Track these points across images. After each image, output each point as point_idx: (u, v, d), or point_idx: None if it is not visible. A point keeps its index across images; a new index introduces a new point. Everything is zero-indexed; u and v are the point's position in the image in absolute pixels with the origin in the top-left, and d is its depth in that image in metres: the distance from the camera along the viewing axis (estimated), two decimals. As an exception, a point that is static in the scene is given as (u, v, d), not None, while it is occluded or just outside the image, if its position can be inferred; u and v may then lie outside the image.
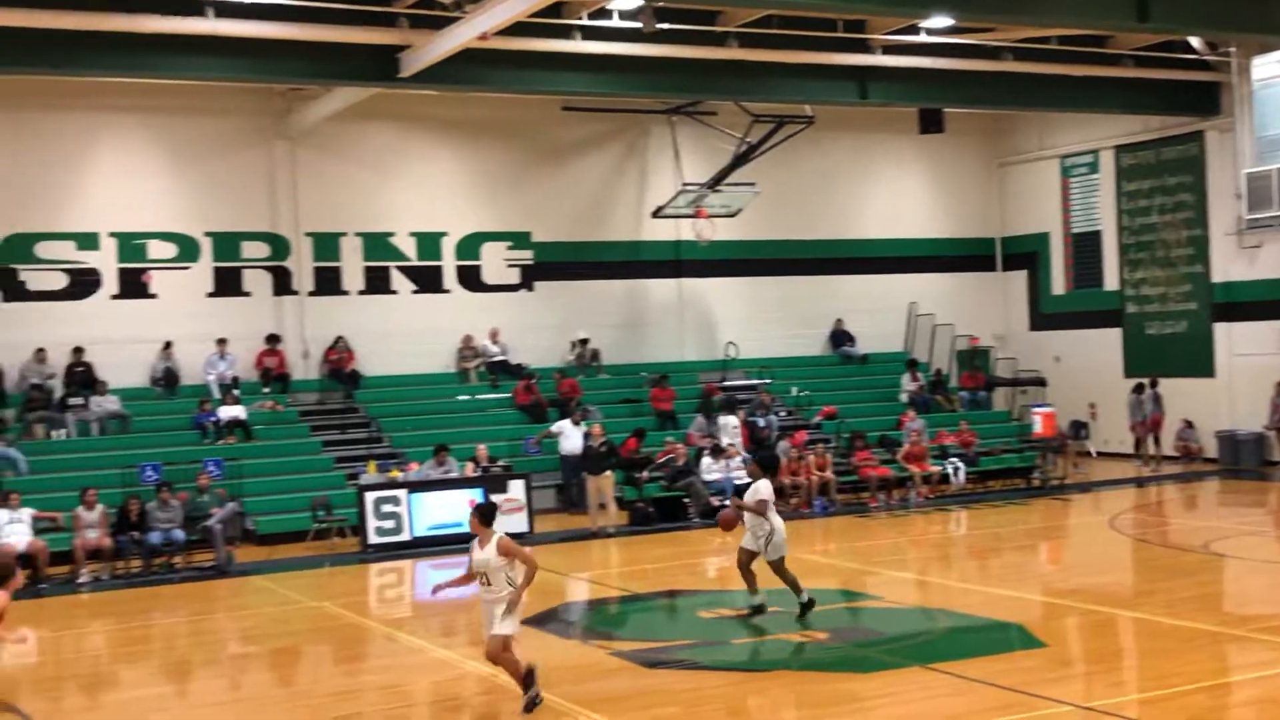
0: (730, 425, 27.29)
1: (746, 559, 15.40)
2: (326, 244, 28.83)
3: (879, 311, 33.37)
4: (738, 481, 25.05)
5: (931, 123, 31.11)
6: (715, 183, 29.69)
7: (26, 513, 20.75)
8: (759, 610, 15.39)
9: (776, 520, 15.32)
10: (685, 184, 29.83)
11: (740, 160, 29.64)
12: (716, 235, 29.98)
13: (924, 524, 24.26)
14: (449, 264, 29.92)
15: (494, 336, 29.71)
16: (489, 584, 11.55)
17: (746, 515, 15.41)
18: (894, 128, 32.53)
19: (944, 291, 34.25)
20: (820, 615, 15.19)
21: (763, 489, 15.41)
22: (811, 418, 29.45)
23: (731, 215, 30.32)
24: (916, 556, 21.62)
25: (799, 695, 12.01)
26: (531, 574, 11.65)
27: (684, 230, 30.85)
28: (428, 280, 29.70)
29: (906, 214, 34.41)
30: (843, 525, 24.38)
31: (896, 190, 34.42)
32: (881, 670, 12.94)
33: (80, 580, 20.28)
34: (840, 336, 33.11)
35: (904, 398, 30.91)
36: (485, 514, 11.88)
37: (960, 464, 27.64)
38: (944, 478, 27.39)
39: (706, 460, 25.67)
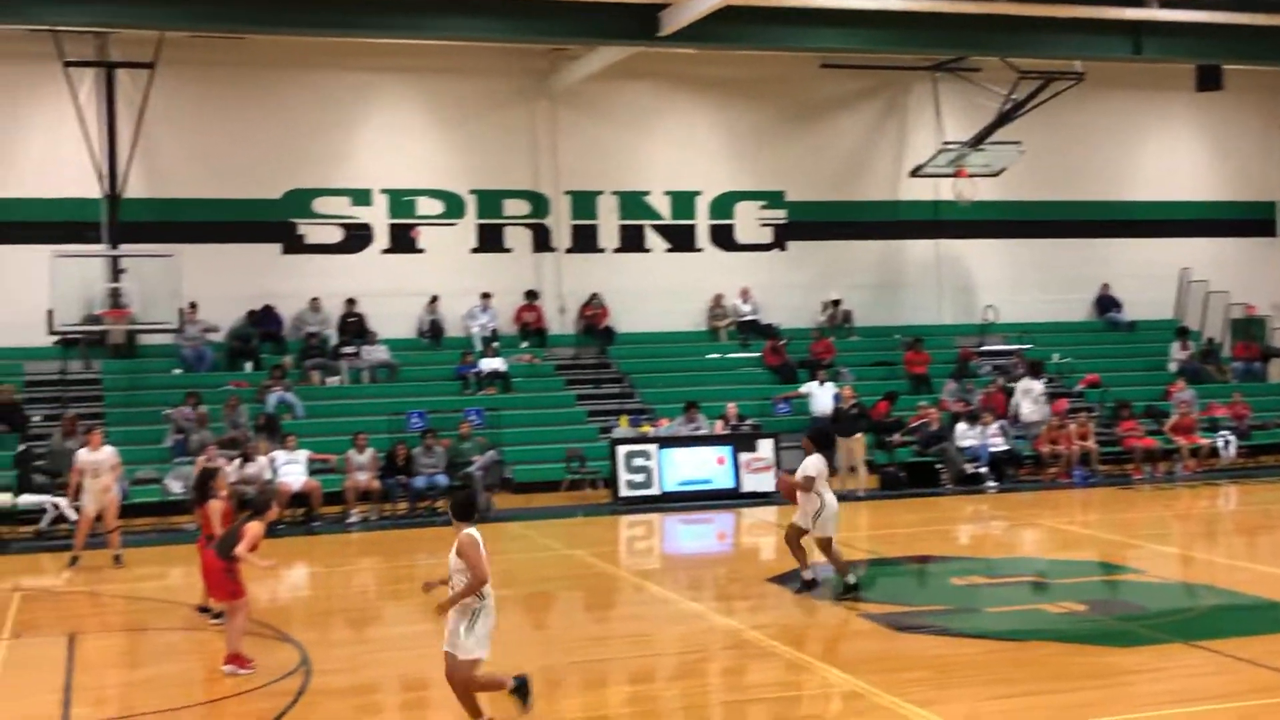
0: (1035, 391, 26.62)
1: (795, 534, 14.96)
2: (584, 202, 29.35)
3: (1147, 277, 32.01)
4: (993, 449, 24.54)
5: (1209, 80, 29.56)
6: (977, 141, 28.95)
7: (303, 454, 21.88)
8: (811, 586, 14.81)
9: (828, 497, 14.75)
10: (946, 143, 29.19)
11: (1004, 118, 28.81)
12: (977, 195, 29.26)
13: (1190, 498, 23.26)
14: (702, 223, 30.07)
15: (745, 296, 29.74)
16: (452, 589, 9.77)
17: (799, 491, 14.95)
18: (1167, 85, 31.04)
19: (1218, 257, 32.59)
20: (1078, 587, 14.76)
21: (810, 465, 14.83)
22: (1073, 385, 28.53)
23: (993, 175, 29.55)
24: (1181, 531, 20.76)
25: (1055, 666, 11.69)
26: (473, 587, 9.61)
27: (943, 190, 30.21)
28: (681, 239, 29.91)
29: (1179, 176, 32.85)
30: (1103, 497, 23.59)
31: (1168, 151, 32.87)
32: (1143, 645, 12.48)
33: (350, 520, 21.29)
34: (1106, 302, 31.93)
35: (1173, 367, 29.65)
36: (456, 508, 9.99)
37: (1231, 437, 26.39)
38: (1213, 451, 26.20)
39: (961, 426, 25.17)
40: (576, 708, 11.21)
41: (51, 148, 25.81)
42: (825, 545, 14.65)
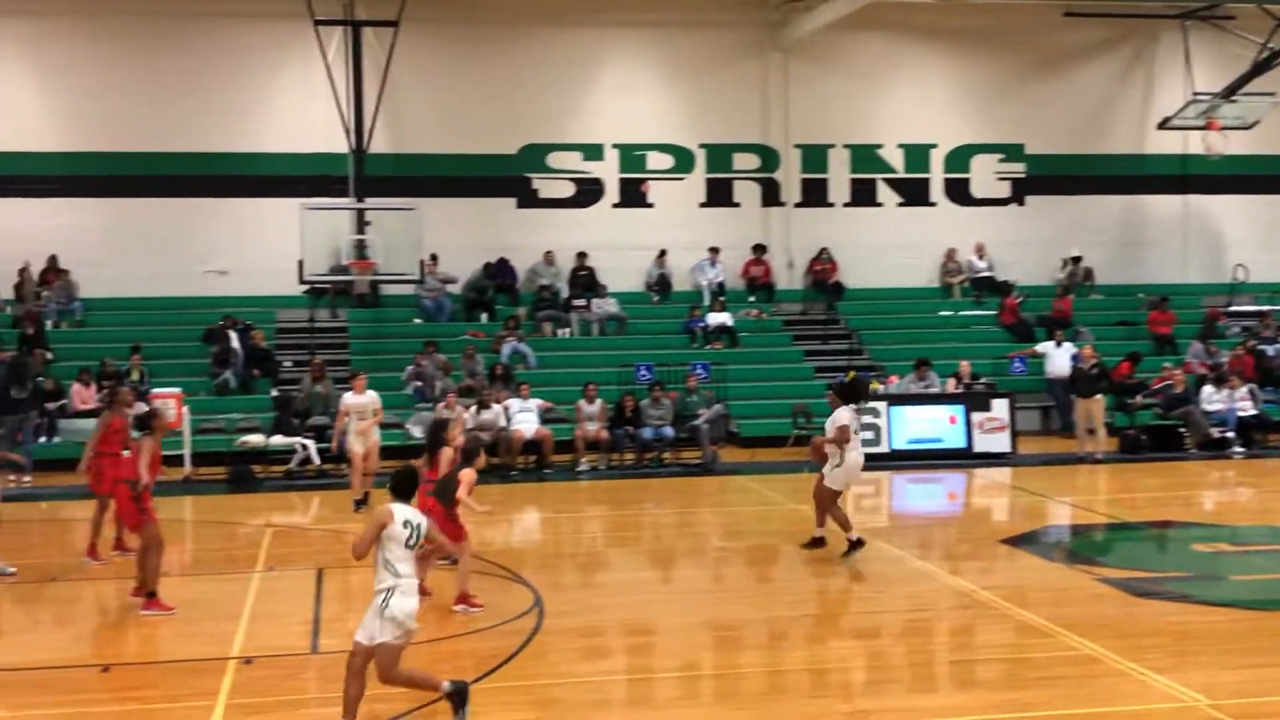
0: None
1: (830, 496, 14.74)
2: (814, 156, 29.11)
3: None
4: (1241, 413, 23.49)
5: None
6: (1230, 92, 27.57)
7: (535, 403, 22.38)
8: (858, 545, 14.62)
9: (854, 455, 14.62)
10: (1196, 94, 27.90)
11: (1260, 68, 27.38)
12: (1228, 149, 27.89)
13: None
14: (936, 177, 29.49)
15: (980, 251, 29.07)
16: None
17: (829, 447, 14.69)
18: None
19: None
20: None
21: (842, 416, 14.58)
22: (1329, 349, 27.03)
23: (1247, 128, 28.11)
24: None
25: (1304, 639, 11.17)
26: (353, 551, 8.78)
27: (1192, 143, 28.90)
28: (914, 193, 29.40)
29: None
30: (1361, 466, 22.33)
31: None
32: (1405, 623, 11.80)
33: (579, 468, 21.70)
34: (1367, 261, 30.09)
35: None
36: (395, 486, 8.94)
37: None
38: None
39: (1207, 390, 24.11)
40: (801, 660, 11.23)
41: (302, 104, 26.96)
42: (831, 499, 14.58)
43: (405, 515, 8.70)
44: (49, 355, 23.80)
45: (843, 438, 14.50)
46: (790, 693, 10.28)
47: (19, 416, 21.19)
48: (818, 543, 15.02)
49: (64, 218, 26.50)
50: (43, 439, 21.75)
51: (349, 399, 18.36)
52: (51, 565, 15.13)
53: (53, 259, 26.30)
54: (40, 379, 22.48)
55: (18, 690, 10.22)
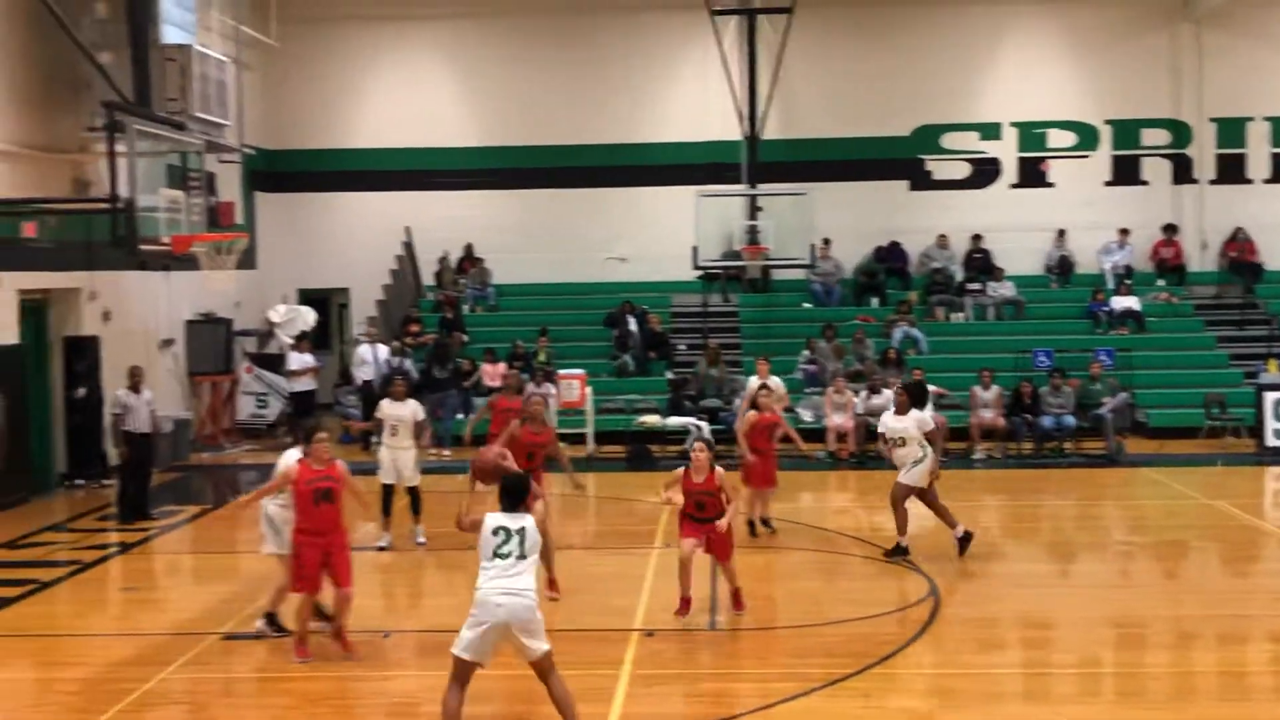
0: None
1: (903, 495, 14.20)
2: (1231, 130, 27.37)
3: None
4: None
5: None
6: None
7: (929, 389, 22.06)
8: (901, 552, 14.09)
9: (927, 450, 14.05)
10: None
11: None
12: None
13: None
14: (1377, 149, 27.16)
15: None
16: None
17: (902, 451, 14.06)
18: None
19: None
20: None
21: (926, 416, 14.18)
22: None
23: None
24: None
25: None
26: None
27: None
28: (1347, 167, 27.17)
29: None
30: None
31: None
32: None
33: (974, 456, 21.28)
34: None
35: None
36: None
37: None
38: None
39: None
40: (1211, 663, 10.68)
41: (699, 94, 27.63)
42: (905, 495, 14.12)
43: None
44: (465, 338, 25.42)
45: (934, 436, 14.17)
46: (1202, 695, 9.80)
47: (439, 394, 22.75)
48: (965, 543, 14.29)
49: (479, 209, 28.22)
50: (459, 415, 23.24)
51: (753, 383, 17.91)
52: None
53: (469, 248, 28.06)
54: (459, 360, 24.05)
55: (443, 652, 11.02)
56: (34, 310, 19.52)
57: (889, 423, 14.43)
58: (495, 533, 8.63)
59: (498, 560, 8.57)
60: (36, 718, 9.67)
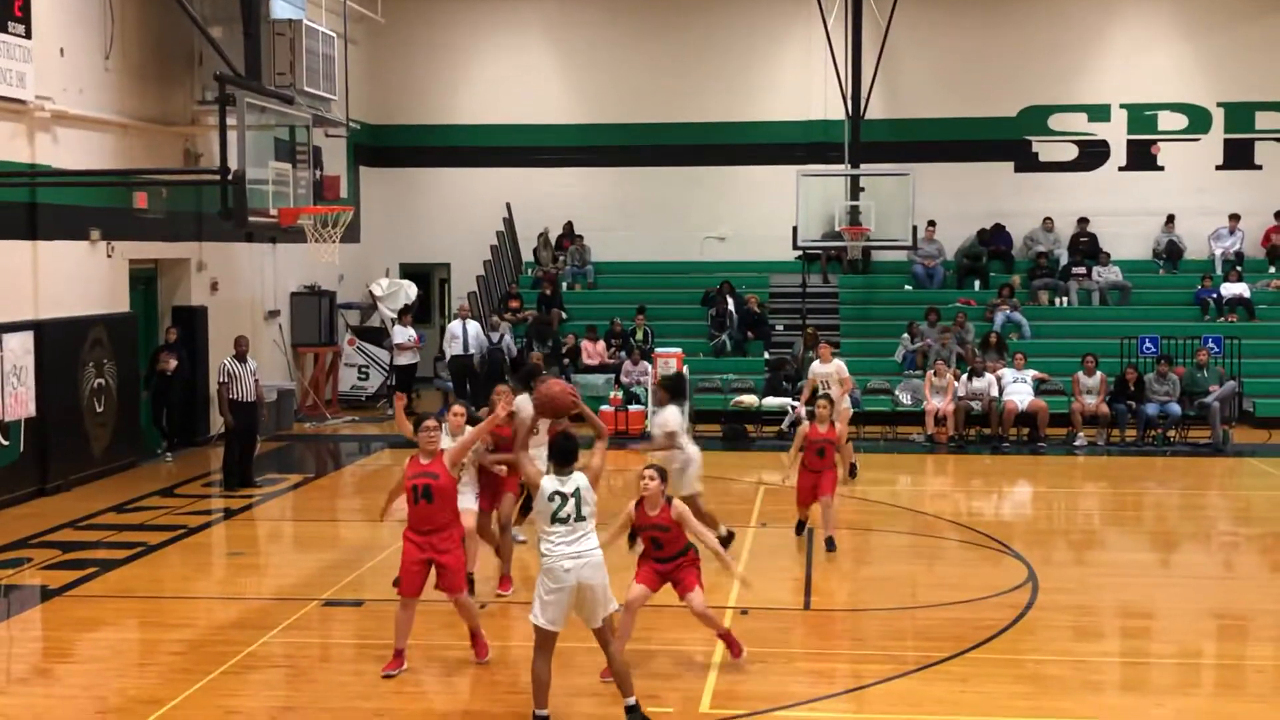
0: None
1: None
2: (1350, 113, 26.63)
3: None
4: None
5: None
6: None
7: (1030, 374, 21.79)
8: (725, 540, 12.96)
9: (692, 449, 13.04)
10: None
11: None
12: None
13: None
14: None
15: None
16: None
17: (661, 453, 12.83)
18: None
19: None
20: None
21: (671, 419, 12.95)
22: None
23: None
24: None
25: None
26: None
27: None
28: None
29: None
30: None
31: None
32: None
33: (1076, 443, 20.95)
34: None
35: None
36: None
37: None
38: None
39: None
40: (1322, 659, 10.45)
41: (802, 73, 27.52)
42: (693, 503, 12.33)
43: None
44: (564, 315, 25.54)
45: (668, 445, 12.96)
46: (1307, 692, 9.60)
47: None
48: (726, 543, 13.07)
49: (579, 186, 28.34)
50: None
51: (816, 368, 18.20)
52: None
53: (569, 225, 28.18)
54: (560, 337, 24.17)
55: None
56: (144, 279, 19.98)
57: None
58: (551, 498, 8.55)
59: (558, 526, 8.53)
60: (144, 676, 9.92)
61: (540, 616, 8.52)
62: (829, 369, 18.07)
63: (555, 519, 8.51)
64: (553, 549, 8.49)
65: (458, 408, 11.35)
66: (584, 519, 8.59)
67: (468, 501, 11.34)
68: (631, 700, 8.71)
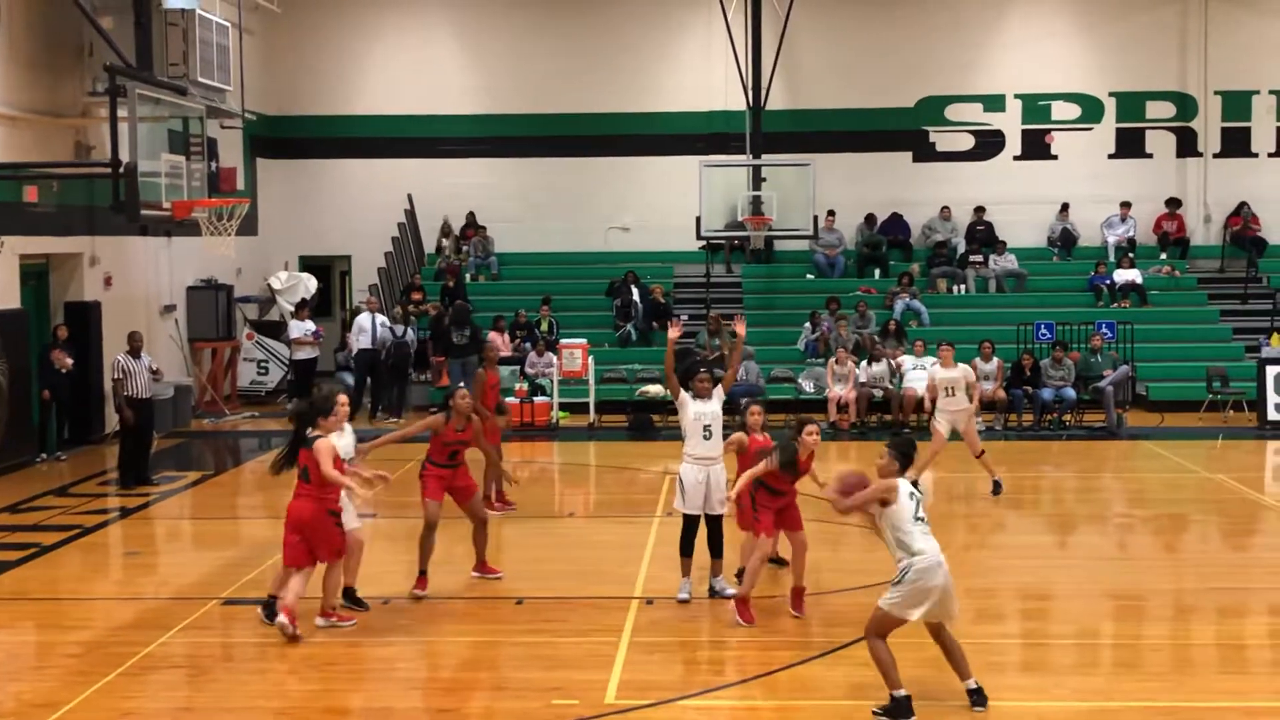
0: None
1: None
2: (1237, 103, 27.30)
3: None
4: None
5: None
6: None
7: (929, 361, 22.03)
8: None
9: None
10: None
11: None
12: None
13: None
14: (1376, 122, 27.07)
15: None
16: None
17: None
18: None
19: None
20: None
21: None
22: None
23: None
24: None
25: None
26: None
27: None
28: (1351, 141, 27.09)
29: None
30: None
31: None
32: None
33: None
34: None
35: None
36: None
37: None
38: None
39: None
40: (1210, 635, 10.71)
41: (703, 64, 27.60)
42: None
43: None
44: (469, 306, 25.36)
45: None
46: (1200, 668, 9.83)
47: (461, 360, 22.60)
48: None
49: (482, 177, 28.15)
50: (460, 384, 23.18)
51: (939, 373, 16.64)
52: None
53: (471, 216, 27.99)
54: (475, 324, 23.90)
55: (441, 618, 11.08)
56: (36, 275, 19.51)
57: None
58: (910, 497, 8.85)
59: (918, 524, 8.78)
60: (40, 680, 9.70)
61: (912, 611, 8.65)
62: (954, 374, 16.35)
63: (916, 518, 8.79)
64: (927, 545, 8.72)
65: (343, 397, 11.10)
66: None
67: (352, 521, 11.12)
68: (973, 683, 8.88)
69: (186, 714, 8.99)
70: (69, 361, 18.66)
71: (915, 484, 9.04)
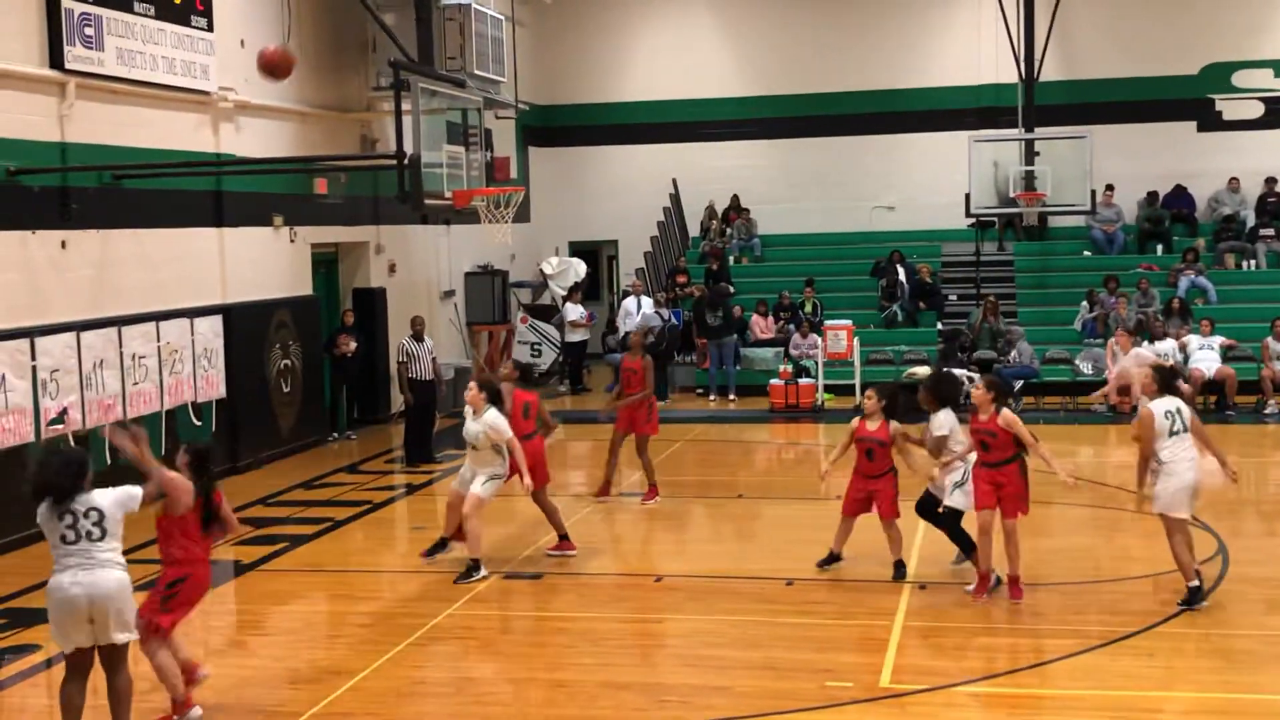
0: None
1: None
2: None
3: None
4: None
5: None
6: None
7: (1217, 340, 21.07)
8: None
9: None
10: None
11: None
12: None
13: None
14: None
15: None
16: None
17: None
18: None
19: None
20: None
21: (944, 422, 11.43)
22: None
23: None
24: None
25: None
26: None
27: None
28: None
29: None
30: None
31: None
32: None
33: (1266, 410, 20.21)
34: None
35: None
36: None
37: None
38: None
39: None
40: None
41: (971, 37, 26.97)
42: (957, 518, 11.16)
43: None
44: (731, 289, 25.50)
45: (936, 449, 11.35)
46: None
47: (717, 341, 22.93)
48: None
49: (745, 159, 28.23)
50: (739, 366, 23.33)
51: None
52: (738, 483, 16.38)
53: (735, 199, 28.10)
54: (729, 306, 24.11)
55: (712, 596, 11.21)
56: (326, 263, 20.57)
57: None
58: (1166, 415, 10.17)
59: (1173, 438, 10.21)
60: (333, 647, 10.25)
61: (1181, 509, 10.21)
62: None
63: (1171, 432, 10.16)
64: (1180, 454, 10.17)
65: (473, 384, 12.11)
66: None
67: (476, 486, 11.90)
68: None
69: (469, 684, 9.36)
70: (352, 345, 19.59)
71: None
